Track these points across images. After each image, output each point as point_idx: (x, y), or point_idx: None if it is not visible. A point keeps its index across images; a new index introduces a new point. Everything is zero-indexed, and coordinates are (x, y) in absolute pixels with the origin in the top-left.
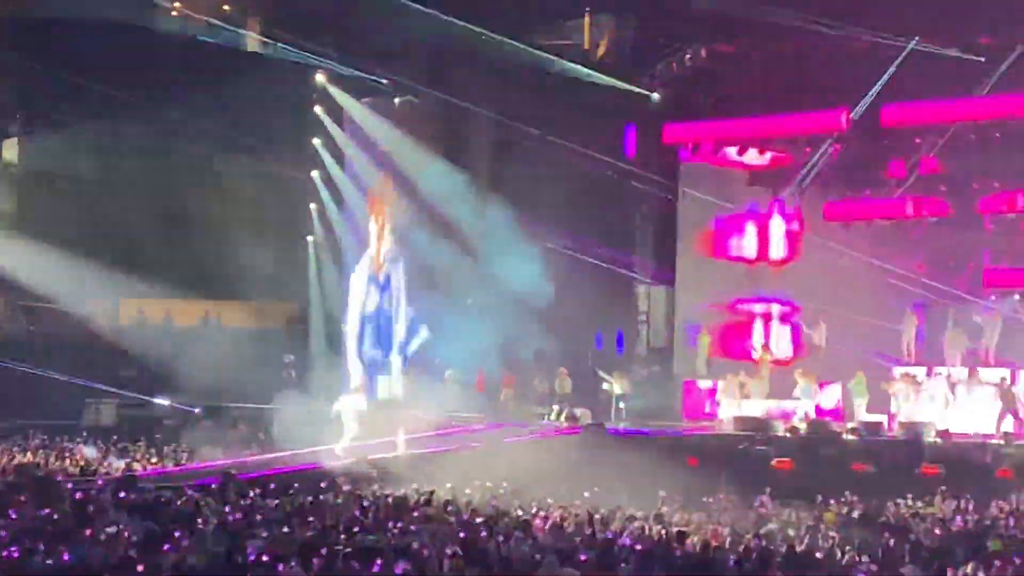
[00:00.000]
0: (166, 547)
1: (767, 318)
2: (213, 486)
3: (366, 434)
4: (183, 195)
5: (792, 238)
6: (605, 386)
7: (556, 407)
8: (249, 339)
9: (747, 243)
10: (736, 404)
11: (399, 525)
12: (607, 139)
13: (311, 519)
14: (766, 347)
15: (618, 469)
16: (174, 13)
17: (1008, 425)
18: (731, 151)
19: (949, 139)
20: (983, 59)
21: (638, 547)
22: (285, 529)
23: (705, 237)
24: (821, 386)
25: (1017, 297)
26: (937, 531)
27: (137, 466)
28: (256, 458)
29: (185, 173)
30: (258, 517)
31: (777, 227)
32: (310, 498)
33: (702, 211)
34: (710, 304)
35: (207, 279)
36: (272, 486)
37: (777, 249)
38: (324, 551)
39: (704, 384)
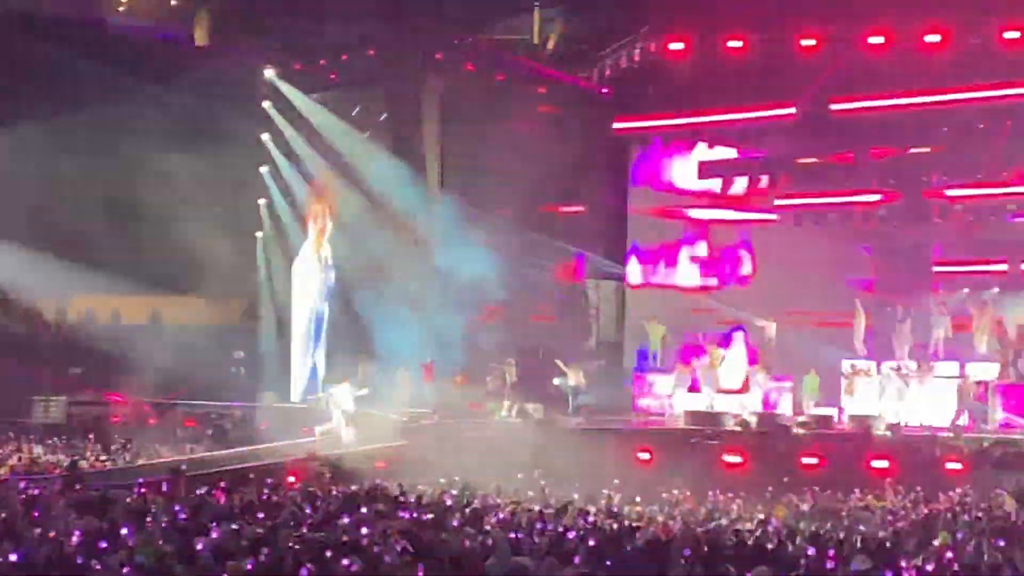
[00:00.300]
0: (114, 545)
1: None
2: (163, 483)
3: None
4: (131, 191)
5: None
6: (557, 380)
7: (507, 402)
8: (198, 336)
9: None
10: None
11: (349, 520)
12: (558, 133)
13: (261, 515)
14: (719, 343)
15: (570, 463)
16: (121, 8)
17: (961, 419)
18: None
19: (897, 132)
20: (931, 52)
21: (590, 541)
22: (234, 526)
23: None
24: (774, 380)
25: (966, 291)
26: (887, 524)
27: (85, 463)
28: (206, 455)
29: (133, 169)
30: (208, 514)
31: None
32: (260, 494)
33: (653, 205)
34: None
35: (156, 275)
36: (222, 483)
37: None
38: (273, 547)
39: (654, 377)
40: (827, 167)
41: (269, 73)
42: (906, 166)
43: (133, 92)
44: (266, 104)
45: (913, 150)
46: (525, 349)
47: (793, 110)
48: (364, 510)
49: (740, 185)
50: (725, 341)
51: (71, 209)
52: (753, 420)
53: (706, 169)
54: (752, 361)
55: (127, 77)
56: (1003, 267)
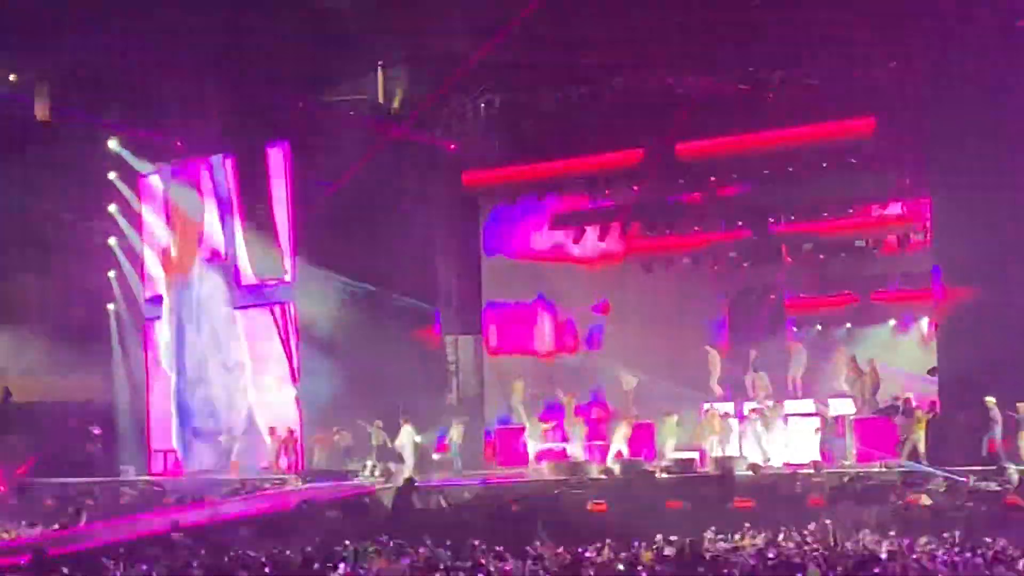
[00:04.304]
0: None
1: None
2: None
3: None
4: None
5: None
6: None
7: (370, 463)
8: (53, 412)
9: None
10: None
11: None
12: (408, 191)
13: None
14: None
15: (434, 521)
16: None
17: (817, 454)
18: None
19: (744, 173)
20: (771, 93)
21: None
22: None
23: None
24: (634, 428)
25: (818, 327)
26: (754, 563)
27: None
28: (68, 532)
29: None
30: None
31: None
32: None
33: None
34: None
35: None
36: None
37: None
38: None
39: (517, 429)
40: (676, 210)
41: (113, 144)
42: (754, 206)
43: None
44: (112, 175)
45: (760, 190)
46: (386, 409)
47: (638, 155)
48: None
49: (591, 237)
50: (586, 409)
51: None
52: (617, 467)
53: (558, 220)
54: (612, 416)
55: None
56: (854, 302)
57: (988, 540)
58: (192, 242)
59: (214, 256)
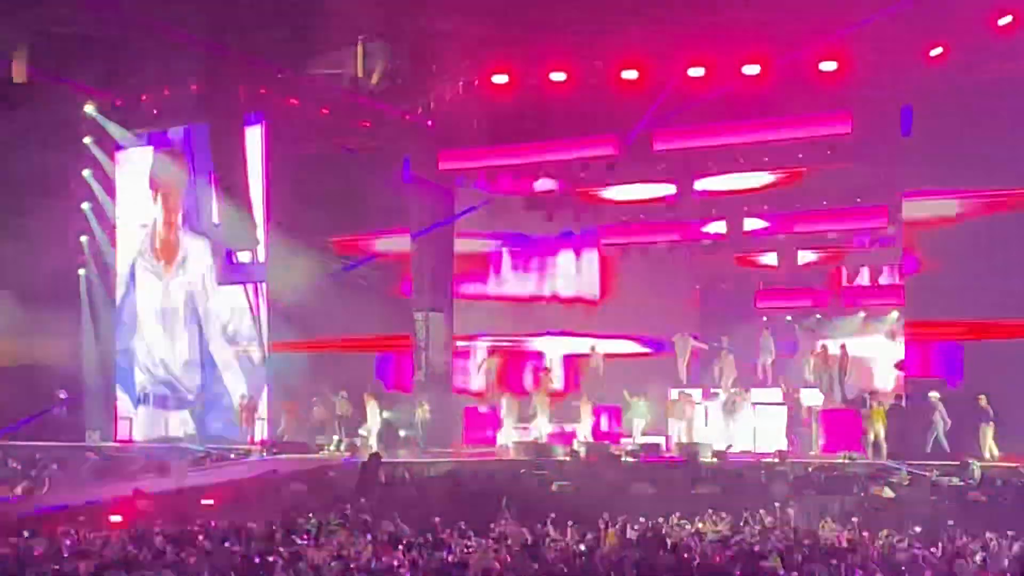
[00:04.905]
0: None
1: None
2: None
3: None
4: None
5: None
6: (387, 414)
7: (336, 436)
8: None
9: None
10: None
11: (180, 556)
12: (383, 167)
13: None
14: (546, 371)
15: (398, 497)
16: None
17: (783, 443)
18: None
19: (719, 163)
20: (750, 83)
21: None
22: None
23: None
24: (596, 411)
25: (788, 318)
26: (717, 550)
27: None
28: (31, 496)
29: None
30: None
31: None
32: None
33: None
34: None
35: None
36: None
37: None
38: None
39: (484, 409)
40: (650, 200)
41: (90, 108)
42: (728, 196)
43: None
44: (87, 140)
45: (735, 181)
46: (353, 381)
47: (615, 143)
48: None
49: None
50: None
51: None
52: (583, 449)
53: (532, 204)
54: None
55: None
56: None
57: (948, 534)
58: (175, 214)
59: (194, 229)
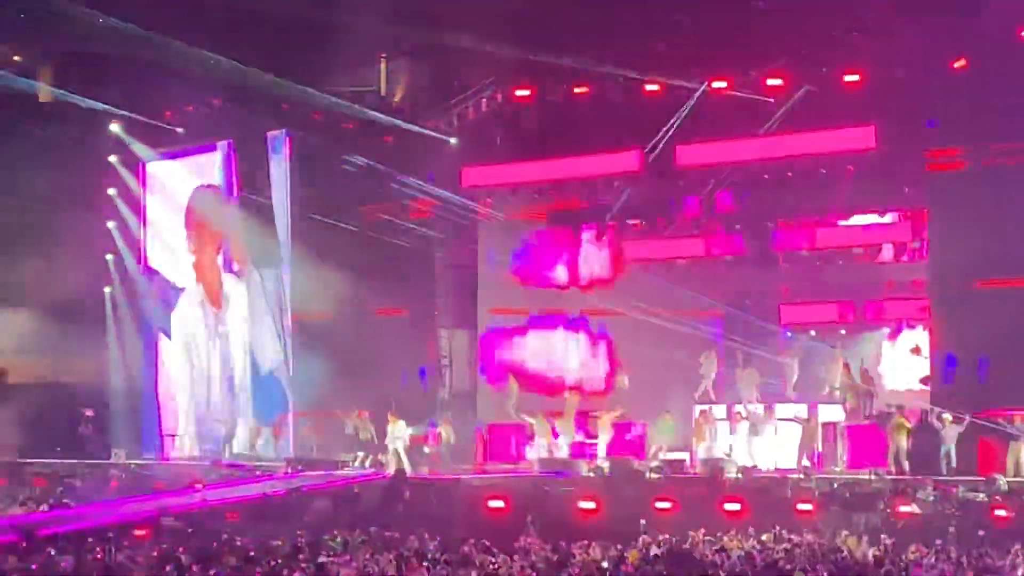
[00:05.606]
0: None
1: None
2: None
3: None
4: None
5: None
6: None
7: (361, 453)
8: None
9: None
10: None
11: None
12: (406, 184)
13: None
14: (572, 389)
15: (423, 514)
16: None
17: (807, 459)
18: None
19: (742, 178)
20: (771, 100)
21: None
22: None
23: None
24: (618, 427)
25: (812, 333)
26: (742, 566)
27: None
28: (57, 513)
29: None
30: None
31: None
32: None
33: (502, 254)
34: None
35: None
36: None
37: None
38: None
39: (510, 426)
40: (674, 213)
41: (115, 127)
42: (751, 212)
43: None
44: (112, 158)
45: (758, 196)
46: (378, 399)
47: (638, 158)
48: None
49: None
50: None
51: None
52: (606, 466)
53: (555, 219)
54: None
55: None
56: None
57: (976, 550)
58: (211, 239)
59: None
